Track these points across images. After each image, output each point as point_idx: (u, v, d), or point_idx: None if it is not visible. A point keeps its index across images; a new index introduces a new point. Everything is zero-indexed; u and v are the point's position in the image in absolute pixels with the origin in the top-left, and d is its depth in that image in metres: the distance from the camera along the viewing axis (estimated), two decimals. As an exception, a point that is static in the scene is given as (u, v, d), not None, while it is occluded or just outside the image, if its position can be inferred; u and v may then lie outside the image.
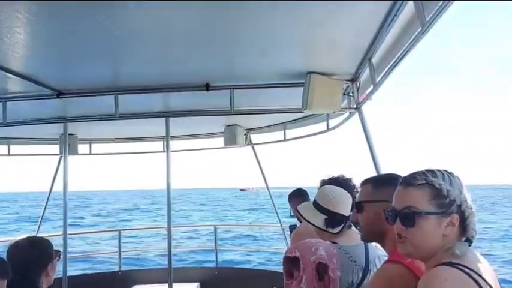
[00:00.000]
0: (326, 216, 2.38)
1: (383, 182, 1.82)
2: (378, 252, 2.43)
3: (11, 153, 6.00)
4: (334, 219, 2.37)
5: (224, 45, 2.95)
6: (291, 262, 2.02)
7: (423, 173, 1.47)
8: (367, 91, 3.41)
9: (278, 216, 6.66)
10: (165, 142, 5.03)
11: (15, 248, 2.05)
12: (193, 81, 3.75)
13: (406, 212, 1.43)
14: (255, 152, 6.46)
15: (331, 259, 1.99)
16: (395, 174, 1.84)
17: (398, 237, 1.46)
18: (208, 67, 3.47)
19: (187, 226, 16.28)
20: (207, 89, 3.78)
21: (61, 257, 2.21)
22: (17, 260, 1.96)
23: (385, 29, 2.52)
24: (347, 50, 3.09)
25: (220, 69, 3.54)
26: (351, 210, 1.95)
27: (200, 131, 6.37)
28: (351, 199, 2.46)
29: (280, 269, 6.64)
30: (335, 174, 2.89)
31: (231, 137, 5.80)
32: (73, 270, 7.15)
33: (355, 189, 2.66)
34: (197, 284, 6.15)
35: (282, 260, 2.20)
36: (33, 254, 2.01)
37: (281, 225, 6.62)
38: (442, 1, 1.87)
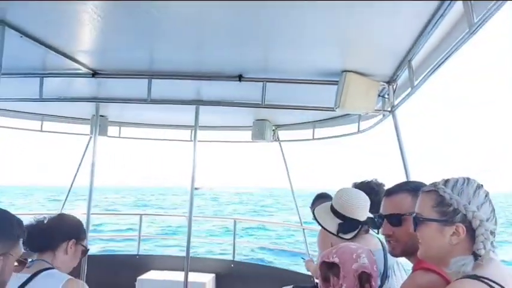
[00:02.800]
0: (340, 221, 2.32)
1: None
2: (396, 259, 2.36)
3: (43, 129, 6.14)
4: (348, 225, 2.32)
5: (260, 37, 2.93)
6: (328, 267, 1.92)
7: (435, 182, 1.48)
8: (404, 94, 3.32)
9: (299, 216, 6.59)
10: (193, 131, 5.05)
11: (51, 216, 2.13)
12: (227, 71, 3.74)
13: (414, 217, 1.49)
14: (281, 148, 6.40)
15: (373, 267, 1.90)
16: (423, 183, 1.76)
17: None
18: (243, 58, 3.45)
19: (208, 217, 16.35)
20: (240, 80, 3.76)
21: (87, 253, 2.22)
22: (48, 221, 2.05)
23: (428, 31, 2.44)
24: (386, 51, 3.02)
25: (255, 61, 3.51)
26: (381, 222, 1.84)
27: (228, 123, 6.36)
28: (369, 203, 2.39)
29: (296, 268, 6.62)
30: (369, 178, 2.83)
31: (259, 132, 5.77)
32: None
33: None
34: (213, 275, 6.17)
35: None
36: (62, 222, 2.09)
37: (301, 224, 6.55)
38: (493, 1, 1.78)
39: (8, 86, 2.75)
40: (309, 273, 5.02)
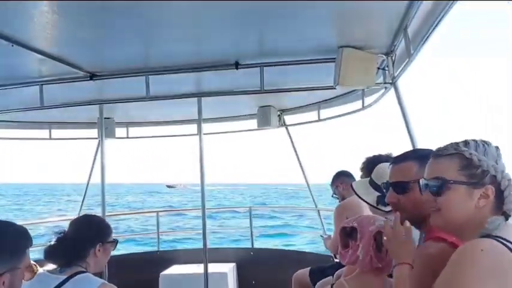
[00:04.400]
0: (379, 194, 2.32)
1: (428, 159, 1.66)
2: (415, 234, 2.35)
3: (52, 137, 6.21)
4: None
5: (254, 21, 2.90)
6: (347, 233, 1.97)
7: (455, 143, 1.40)
8: (403, 64, 3.25)
9: (313, 199, 6.57)
10: (198, 125, 5.04)
11: (74, 220, 2.17)
12: (223, 60, 3.71)
13: (434, 181, 1.38)
14: (289, 133, 6.36)
15: None
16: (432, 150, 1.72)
17: (429, 209, 1.41)
18: (238, 44, 3.42)
19: (222, 208, 16.46)
20: (237, 68, 3.73)
21: (117, 246, 2.21)
22: (71, 231, 2.05)
23: None
24: (381, 21, 2.95)
25: (250, 47, 3.48)
26: (387, 191, 1.83)
27: (233, 112, 6.33)
28: None
29: (316, 250, 6.63)
30: (382, 153, 2.83)
31: (264, 118, 5.73)
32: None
33: None
34: (233, 264, 6.20)
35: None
36: (85, 228, 2.08)
37: (316, 207, 6.54)
38: None
39: (7, 97, 2.77)
40: (329, 253, 5.03)
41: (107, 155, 5.29)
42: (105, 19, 2.71)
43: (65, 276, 1.89)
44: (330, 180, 4.28)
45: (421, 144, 3.34)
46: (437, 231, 1.57)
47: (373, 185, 2.41)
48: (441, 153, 1.41)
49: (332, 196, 4.33)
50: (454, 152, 1.38)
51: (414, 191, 1.67)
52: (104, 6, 2.49)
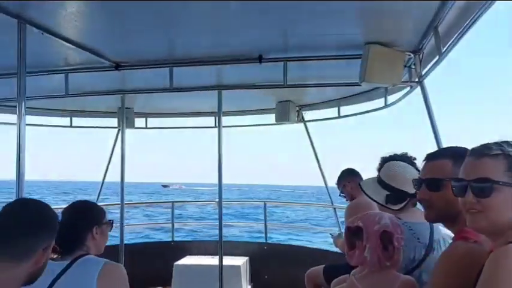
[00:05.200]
0: (388, 193, 2.31)
1: (463, 158, 1.58)
2: (444, 233, 2.32)
3: (73, 125, 6.29)
4: (396, 196, 2.31)
5: (279, 15, 2.87)
6: (353, 232, 1.96)
7: (498, 144, 1.36)
8: (431, 63, 3.20)
9: (330, 196, 6.55)
10: (217, 117, 5.05)
11: (66, 208, 2.17)
12: (246, 53, 3.70)
13: (479, 182, 1.32)
14: (307, 129, 6.33)
15: (396, 228, 1.92)
16: (466, 148, 1.69)
17: (467, 211, 1.37)
18: (262, 38, 3.41)
19: (237, 201, 16.52)
20: (260, 62, 3.71)
21: (113, 226, 2.26)
22: (66, 219, 2.07)
23: None
24: (411, 18, 2.91)
25: (274, 41, 3.46)
26: (419, 188, 1.81)
27: (251, 106, 6.32)
28: (417, 176, 2.35)
29: (330, 247, 6.61)
30: (398, 152, 2.79)
31: (283, 113, 5.71)
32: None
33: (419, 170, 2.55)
34: (246, 258, 6.23)
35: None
36: (80, 214, 2.10)
37: (332, 204, 6.52)
38: None
39: (33, 84, 2.81)
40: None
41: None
42: (132, 10, 2.72)
43: (68, 261, 1.93)
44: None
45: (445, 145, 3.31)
46: (466, 230, 1.55)
47: (382, 183, 2.39)
48: (486, 153, 1.35)
49: (339, 195, 4.30)
50: (500, 152, 1.33)
51: (448, 188, 1.63)
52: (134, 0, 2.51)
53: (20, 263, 1.48)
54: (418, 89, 3.55)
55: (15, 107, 2.77)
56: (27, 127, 2.81)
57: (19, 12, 2.62)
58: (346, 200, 4.17)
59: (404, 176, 2.33)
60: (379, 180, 2.42)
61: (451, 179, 1.52)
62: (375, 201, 2.39)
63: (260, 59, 3.72)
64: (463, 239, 1.59)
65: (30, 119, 5.90)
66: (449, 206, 1.64)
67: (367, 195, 2.43)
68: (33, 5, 2.56)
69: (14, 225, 1.54)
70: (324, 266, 4.06)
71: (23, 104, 2.75)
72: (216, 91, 4.69)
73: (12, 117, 5.62)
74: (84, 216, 2.09)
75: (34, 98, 4.58)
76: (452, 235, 1.76)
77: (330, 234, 4.78)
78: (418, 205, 2.37)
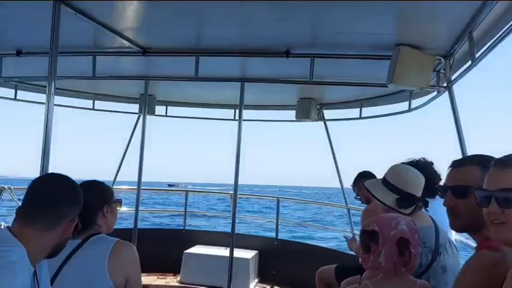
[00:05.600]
0: (397, 196, 2.29)
1: (489, 166, 1.57)
2: (449, 236, 2.30)
3: (95, 107, 6.36)
4: (406, 200, 2.29)
5: (308, 10, 2.85)
6: (368, 235, 1.94)
7: None
8: (462, 68, 3.15)
9: (344, 197, 6.52)
10: (238, 110, 5.05)
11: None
12: (274, 47, 3.68)
13: (504, 192, 1.31)
14: (326, 128, 6.30)
15: (413, 235, 1.89)
16: (492, 157, 1.66)
17: (491, 221, 1.35)
18: (291, 33, 3.38)
19: (251, 195, 16.54)
20: (287, 56, 3.70)
21: (122, 205, 2.30)
22: None
23: None
24: (445, 22, 2.87)
25: (303, 36, 3.44)
26: (443, 194, 1.78)
27: (272, 101, 6.31)
28: (424, 180, 2.33)
29: (341, 247, 6.58)
30: (416, 158, 2.76)
31: (304, 110, 5.69)
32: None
33: (438, 175, 2.52)
34: (256, 252, 6.24)
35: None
36: (90, 193, 2.07)
37: (346, 205, 6.48)
38: None
39: (62, 64, 2.85)
40: (353, 252, 4.99)
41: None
42: None
43: (79, 240, 1.97)
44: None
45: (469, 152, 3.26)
46: (490, 239, 1.53)
47: (389, 186, 2.35)
48: (510, 163, 1.34)
49: (355, 198, 4.27)
50: None
51: (473, 196, 1.64)
52: None
53: (47, 232, 1.55)
54: (445, 94, 3.50)
55: (44, 86, 2.81)
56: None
57: None
58: (362, 203, 4.14)
59: (414, 178, 2.32)
60: (385, 183, 2.39)
61: (478, 187, 1.51)
62: (384, 204, 2.34)
63: (287, 54, 3.70)
64: (488, 248, 1.57)
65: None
66: (474, 215, 1.60)
67: (375, 197, 2.39)
68: None
69: (44, 196, 1.61)
70: (335, 265, 4.05)
71: (53, 83, 2.79)
72: (239, 83, 4.69)
73: (39, 96, 5.72)
74: (95, 195, 2.12)
75: (62, 78, 4.64)
76: (454, 238, 1.74)
77: (344, 237, 4.76)
78: (423, 209, 2.36)
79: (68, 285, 1.90)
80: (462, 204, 1.68)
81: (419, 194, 2.31)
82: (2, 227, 5.45)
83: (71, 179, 1.71)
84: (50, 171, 2.70)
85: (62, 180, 1.69)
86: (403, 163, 2.78)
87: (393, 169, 2.41)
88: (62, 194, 1.63)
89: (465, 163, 1.74)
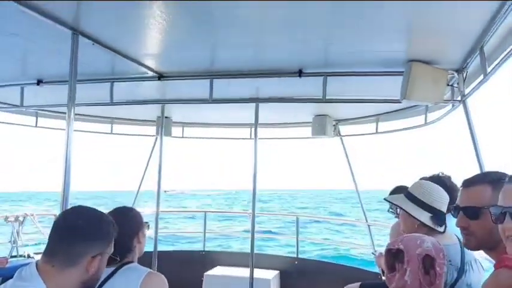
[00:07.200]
0: (431, 214, 2.25)
1: (502, 183, 1.55)
2: (474, 255, 2.26)
3: (113, 132, 6.49)
4: (439, 217, 2.26)
5: (320, 30, 2.89)
6: (393, 255, 1.92)
7: None
8: (475, 82, 3.13)
9: (364, 212, 6.45)
10: (253, 129, 5.10)
11: (111, 215, 2.19)
12: (286, 67, 3.73)
13: None
14: (343, 144, 6.28)
15: (438, 253, 1.87)
16: (505, 173, 1.65)
17: (507, 237, 1.35)
18: (303, 53, 3.43)
19: (270, 214, 16.48)
20: (300, 76, 3.74)
21: (149, 228, 2.30)
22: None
23: (503, 12, 2.28)
24: (456, 37, 2.86)
25: (315, 55, 3.47)
26: (457, 214, 1.77)
27: (288, 119, 6.35)
28: (448, 197, 2.30)
29: (361, 265, 6.48)
30: (435, 172, 2.73)
31: (319, 127, 5.70)
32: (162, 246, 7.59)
33: (458, 189, 2.48)
34: (277, 271, 6.19)
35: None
36: (126, 221, 2.10)
37: (366, 221, 6.41)
38: None
39: (81, 91, 2.94)
40: (376, 270, 4.91)
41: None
42: (178, 23, 2.81)
43: (113, 268, 1.97)
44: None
45: (487, 167, 3.22)
46: (508, 258, 1.50)
47: (418, 202, 2.30)
48: None
49: (388, 211, 4.22)
50: None
51: (487, 216, 1.59)
52: (178, 12, 2.61)
53: (66, 270, 1.49)
54: (460, 107, 3.47)
55: (63, 113, 2.90)
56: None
57: (74, 24, 2.76)
58: (395, 217, 4.09)
59: (441, 196, 2.30)
60: (414, 199, 2.34)
61: (489, 207, 1.49)
62: (419, 220, 2.27)
63: (300, 73, 3.74)
64: (506, 267, 1.54)
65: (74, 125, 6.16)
66: (489, 234, 1.60)
67: (411, 215, 2.30)
68: (87, 17, 2.69)
69: (63, 232, 1.57)
70: (360, 283, 4.00)
71: (73, 110, 2.87)
72: (254, 103, 4.74)
73: (59, 123, 5.88)
74: (130, 223, 2.12)
75: (81, 105, 4.77)
76: (483, 257, 1.71)
77: (372, 253, 4.69)
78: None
79: None
80: (474, 225, 1.67)
81: (445, 211, 2.28)
82: (34, 260, 5.54)
83: (98, 212, 1.67)
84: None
85: (84, 214, 1.63)
86: (422, 178, 2.75)
87: (422, 186, 2.37)
88: (82, 230, 1.56)
89: (475, 183, 1.72)
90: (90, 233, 1.58)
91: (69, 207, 2.75)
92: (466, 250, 2.20)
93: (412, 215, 2.31)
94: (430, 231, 2.22)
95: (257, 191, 4.96)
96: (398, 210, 4.10)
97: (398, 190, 4.07)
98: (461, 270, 2.13)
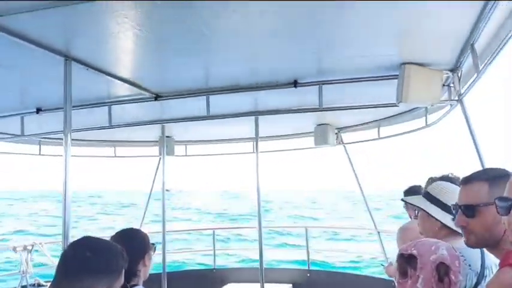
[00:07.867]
0: (452, 216, 2.19)
1: (500, 179, 1.55)
2: (495, 259, 2.19)
3: (117, 154, 6.53)
4: None
5: (312, 40, 2.90)
6: (406, 260, 1.84)
7: None
8: (470, 81, 3.11)
9: (372, 219, 6.37)
10: (255, 142, 5.09)
11: (116, 238, 2.11)
12: (282, 79, 3.73)
13: None
14: (346, 151, 6.26)
15: (454, 261, 1.79)
16: (506, 170, 1.62)
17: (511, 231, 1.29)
18: (296, 63, 3.43)
19: (278, 227, 16.36)
20: (295, 86, 3.74)
21: (156, 250, 2.25)
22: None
23: (488, 9, 2.27)
24: (446, 37, 2.85)
25: (309, 65, 3.47)
26: (456, 213, 1.74)
27: (289, 131, 6.34)
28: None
29: (374, 274, 6.39)
30: (445, 173, 2.69)
31: (321, 137, 5.69)
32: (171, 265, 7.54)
33: None
34: (290, 285, 6.12)
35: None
36: (132, 244, 2.05)
37: (376, 228, 6.33)
38: None
39: (79, 117, 2.97)
40: (390, 278, 4.82)
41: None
42: (170, 43, 2.83)
43: None
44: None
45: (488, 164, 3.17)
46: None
47: (439, 204, 2.21)
48: None
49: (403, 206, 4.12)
50: None
51: (484, 214, 1.59)
52: (169, 33, 2.64)
53: None
54: (458, 107, 3.45)
55: (62, 139, 2.92)
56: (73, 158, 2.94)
57: (66, 50, 2.79)
58: (414, 218, 4.01)
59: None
60: (434, 200, 2.25)
61: (486, 204, 1.49)
62: (443, 223, 2.17)
63: (295, 84, 3.74)
64: (510, 266, 1.50)
65: (76, 150, 6.20)
66: (488, 232, 1.59)
67: (434, 217, 2.20)
68: (77, 43, 2.72)
69: (70, 265, 1.54)
70: None
71: (69, 136, 2.89)
72: (253, 117, 4.74)
73: (59, 149, 5.92)
74: (136, 246, 2.08)
75: (80, 130, 4.81)
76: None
77: (381, 264, 4.61)
78: None
79: None
80: (473, 222, 1.65)
81: None
82: None
83: (107, 244, 1.64)
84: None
85: (93, 246, 1.59)
86: (431, 178, 2.70)
87: (443, 187, 2.29)
88: (90, 263, 1.52)
89: (472, 180, 1.70)
90: (98, 267, 1.54)
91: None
92: (487, 254, 2.13)
93: (434, 217, 2.25)
94: (451, 233, 2.13)
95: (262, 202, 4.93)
96: (416, 211, 4.03)
97: (412, 190, 3.99)
98: (481, 275, 2.06)
